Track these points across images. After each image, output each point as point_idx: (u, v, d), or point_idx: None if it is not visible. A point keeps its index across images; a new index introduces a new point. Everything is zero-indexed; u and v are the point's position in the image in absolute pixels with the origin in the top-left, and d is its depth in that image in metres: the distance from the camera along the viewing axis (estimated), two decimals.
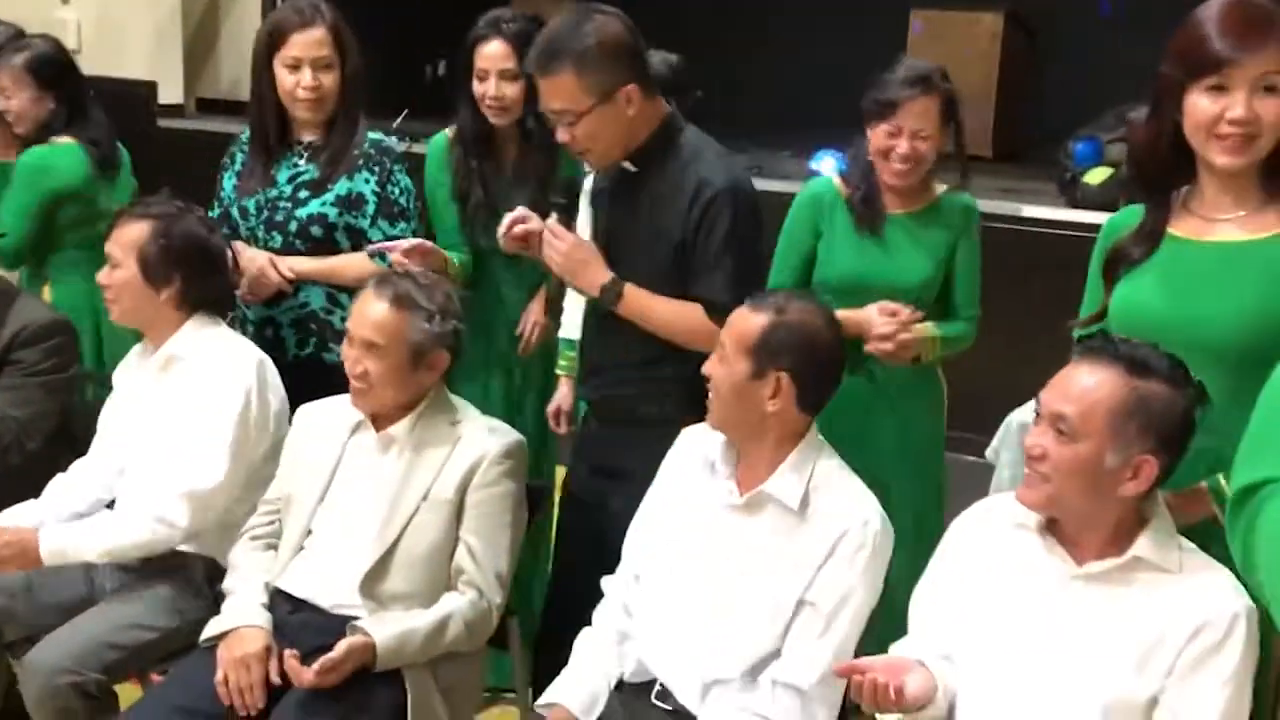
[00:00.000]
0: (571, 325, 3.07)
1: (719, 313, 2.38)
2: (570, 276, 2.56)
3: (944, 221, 2.89)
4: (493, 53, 3.13)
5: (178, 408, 2.69)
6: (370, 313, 2.48)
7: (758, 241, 2.58)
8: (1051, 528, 1.97)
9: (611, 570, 2.42)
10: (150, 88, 6.51)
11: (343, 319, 2.99)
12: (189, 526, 2.61)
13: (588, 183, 2.78)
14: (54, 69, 3.58)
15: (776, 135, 5.86)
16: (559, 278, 2.71)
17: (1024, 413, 3.17)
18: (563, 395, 3.18)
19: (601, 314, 2.60)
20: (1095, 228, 4.56)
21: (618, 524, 2.45)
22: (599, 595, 2.42)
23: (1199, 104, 1.95)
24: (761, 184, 5.09)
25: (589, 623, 2.40)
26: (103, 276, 2.73)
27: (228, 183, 3.08)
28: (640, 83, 2.42)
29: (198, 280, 2.72)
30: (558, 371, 3.21)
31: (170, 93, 6.60)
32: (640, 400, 2.59)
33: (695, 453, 2.35)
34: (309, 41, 2.92)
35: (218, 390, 2.66)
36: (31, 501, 2.80)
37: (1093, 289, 2.19)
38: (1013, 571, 1.98)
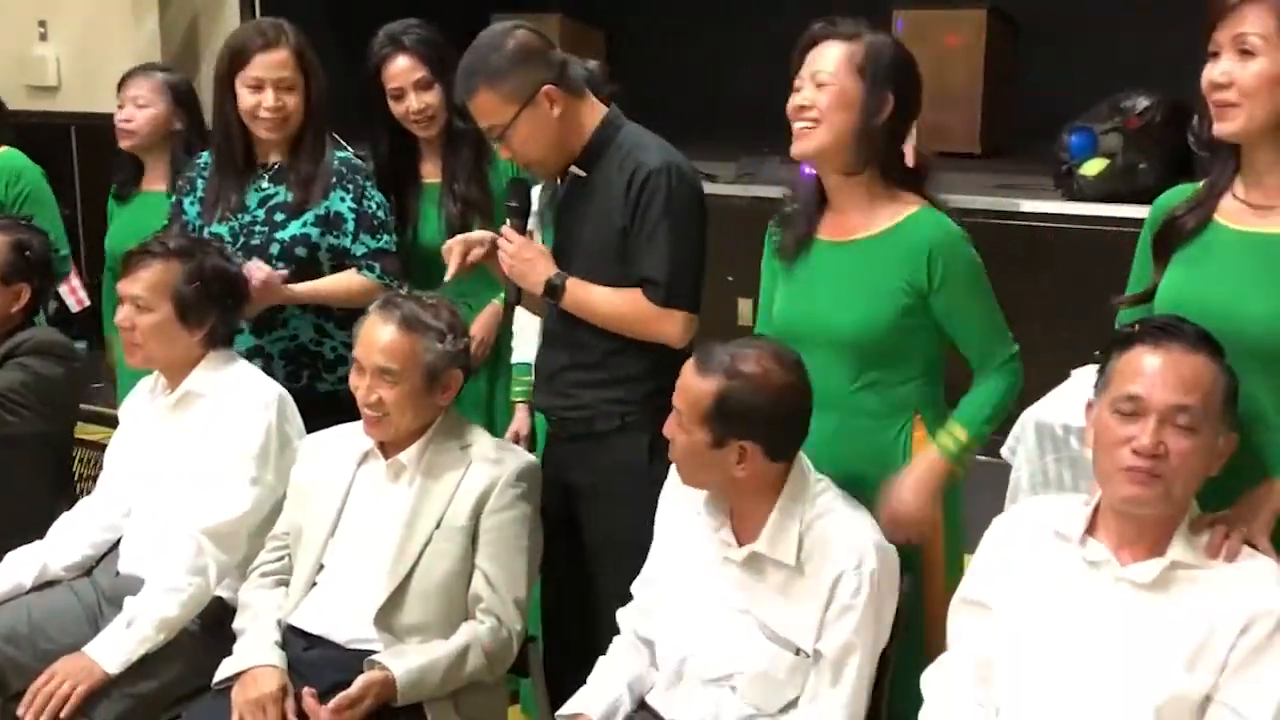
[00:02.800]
0: (525, 349, 3.04)
1: (657, 291, 2.44)
2: (518, 277, 2.56)
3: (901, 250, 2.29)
4: (400, 68, 3.15)
5: (196, 445, 2.64)
6: (379, 338, 2.41)
7: (696, 224, 2.52)
8: (1093, 532, 1.92)
9: (592, 591, 2.47)
10: None
11: (333, 349, 2.99)
12: (218, 567, 2.56)
13: (536, 190, 2.76)
14: None
15: (763, 139, 5.82)
16: (510, 302, 2.71)
17: (1041, 410, 3.12)
18: (520, 421, 3.15)
19: (551, 323, 2.63)
20: (1094, 219, 4.57)
21: (591, 542, 2.52)
22: (587, 618, 2.45)
23: (1206, 71, 1.91)
24: (753, 190, 5.12)
25: (576, 647, 2.42)
26: (123, 320, 2.65)
27: (190, 209, 3.02)
28: (558, 82, 2.46)
29: (228, 315, 2.71)
30: (513, 398, 3.17)
31: None
32: (597, 415, 2.56)
33: (688, 495, 2.27)
34: (271, 62, 2.88)
35: (238, 425, 2.62)
36: (36, 544, 2.74)
37: (1141, 267, 2.12)
38: (1054, 577, 1.93)
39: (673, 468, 2.28)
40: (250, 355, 2.94)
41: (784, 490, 2.15)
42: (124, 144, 3.50)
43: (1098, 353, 1.98)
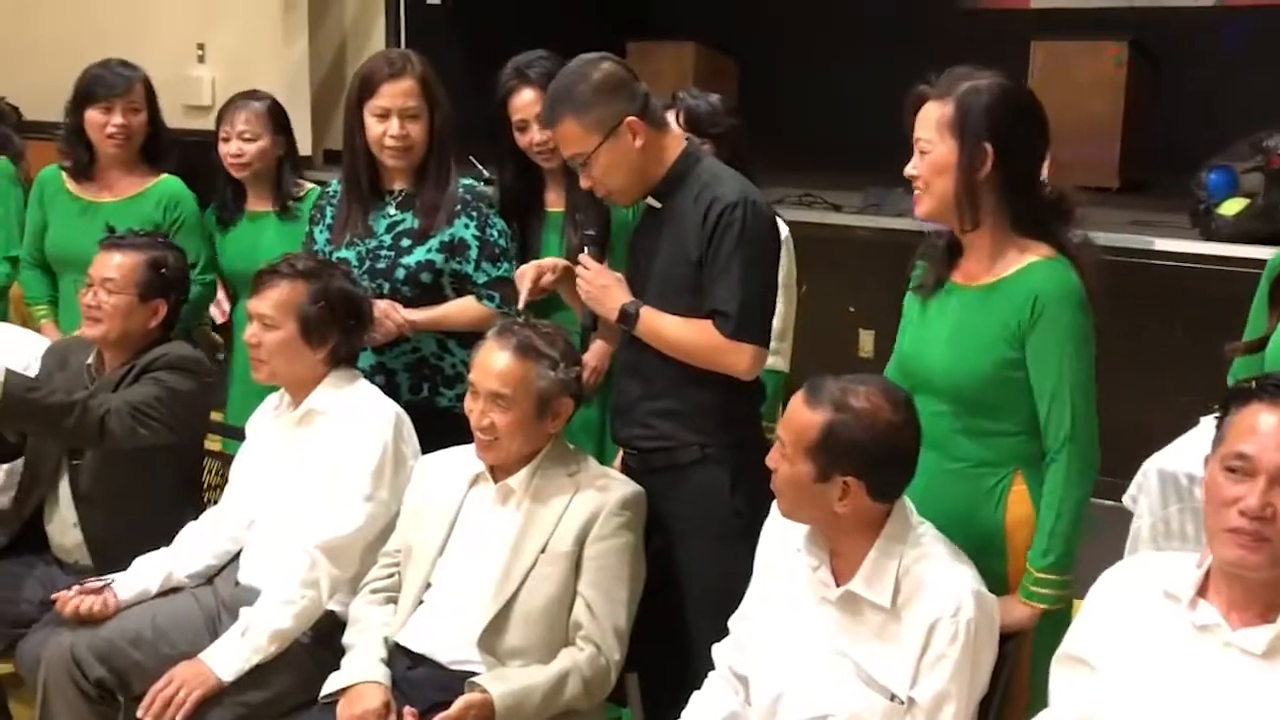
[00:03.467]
0: None
1: (727, 323, 2.48)
2: (594, 303, 2.63)
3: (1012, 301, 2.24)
4: (526, 101, 3.17)
5: (316, 461, 2.72)
6: (494, 364, 2.47)
7: (769, 259, 2.59)
8: (1205, 594, 1.85)
9: (678, 622, 2.52)
10: None
11: (453, 365, 3.07)
12: (331, 581, 2.63)
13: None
14: None
15: (891, 171, 5.78)
16: (585, 326, 2.79)
17: (1165, 458, 3.02)
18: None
19: (624, 353, 2.67)
20: (1231, 260, 4.43)
21: (675, 574, 2.55)
22: (675, 649, 2.47)
23: None
24: (879, 222, 5.09)
25: (666, 678, 2.43)
26: (250, 336, 2.75)
27: (320, 236, 3.12)
28: (641, 114, 2.53)
29: (350, 337, 2.79)
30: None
31: (299, 146, 6.77)
32: (678, 446, 2.58)
33: (789, 532, 2.26)
34: (397, 91, 2.96)
35: (357, 443, 2.69)
36: (163, 551, 2.84)
37: (1256, 314, 2.06)
38: (1162, 640, 1.86)
39: (773, 504, 2.28)
40: (374, 370, 3.03)
41: (884, 530, 2.13)
42: (237, 175, 3.63)
43: (1216, 406, 1.93)
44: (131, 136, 3.59)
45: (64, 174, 3.67)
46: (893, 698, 2.08)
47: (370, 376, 3.02)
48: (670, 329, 2.54)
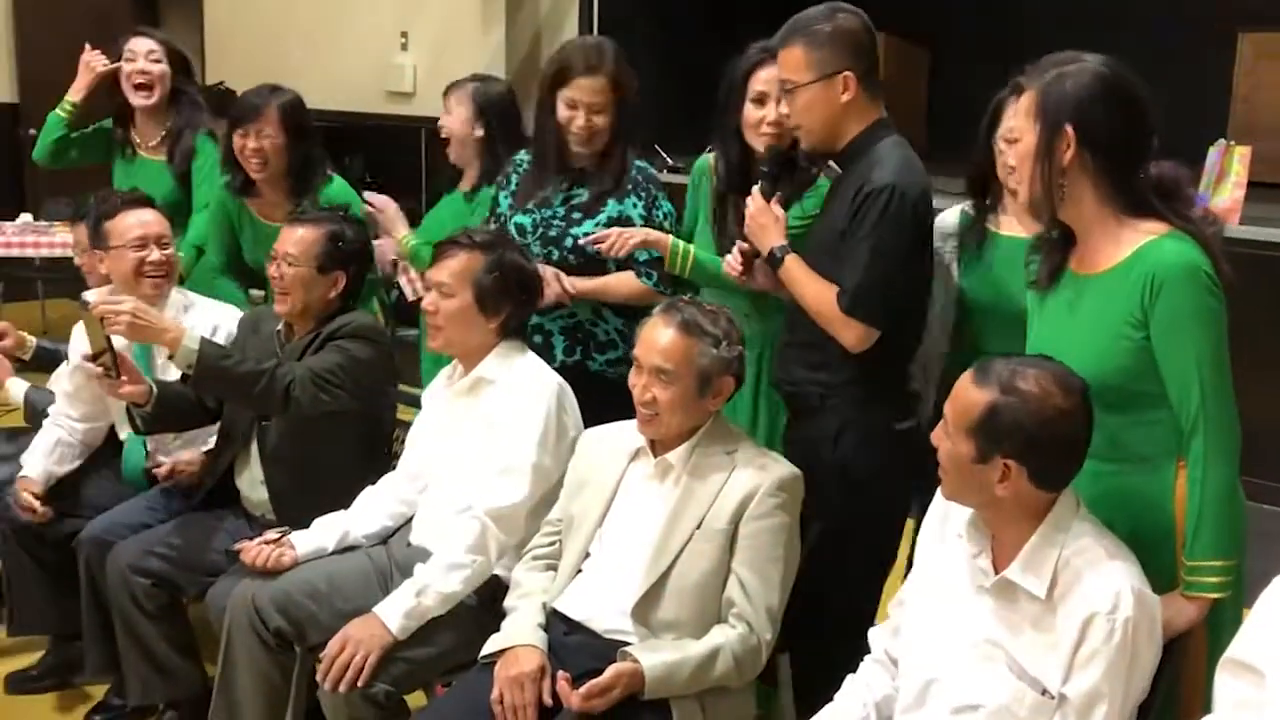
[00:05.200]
0: None
1: (843, 298, 2.60)
2: (753, 236, 2.79)
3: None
4: (772, 75, 3.10)
5: (483, 429, 2.81)
6: (658, 339, 2.50)
7: (904, 247, 2.61)
8: None
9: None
10: None
11: (605, 332, 3.19)
12: (498, 547, 2.72)
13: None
14: None
15: None
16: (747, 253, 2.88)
17: None
18: None
19: (787, 298, 2.78)
20: None
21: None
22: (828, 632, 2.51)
23: None
24: None
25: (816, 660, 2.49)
26: (429, 304, 2.86)
27: (504, 200, 3.28)
28: (859, 74, 2.62)
29: (521, 308, 2.88)
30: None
31: None
32: (801, 392, 2.75)
33: (953, 516, 2.22)
34: (589, 87, 3.09)
35: (521, 413, 2.77)
36: (341, 512, 2.97)
37: None
38: None
39: (937, 490, 2.25)
40: (532, 330, 3.14)
41: (1047, 519, 2.07)
42: (455, 160, 3.77)
43: None
44: (269, 160, 3.63)
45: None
46: (1044, 692, 2.03)
47: (528, 336, 3.12)
48: (804, 282, 2.67)
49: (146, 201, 3.46)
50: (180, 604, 3.16)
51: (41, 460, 3.40)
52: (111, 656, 3.19)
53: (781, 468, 2.52)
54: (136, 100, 4.01)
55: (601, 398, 2.85)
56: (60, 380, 3.53)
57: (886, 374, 2.69)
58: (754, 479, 2.47)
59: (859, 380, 2.65)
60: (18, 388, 3.69)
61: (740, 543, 2.45)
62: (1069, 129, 2.11)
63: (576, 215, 3.15)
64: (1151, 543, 2.15)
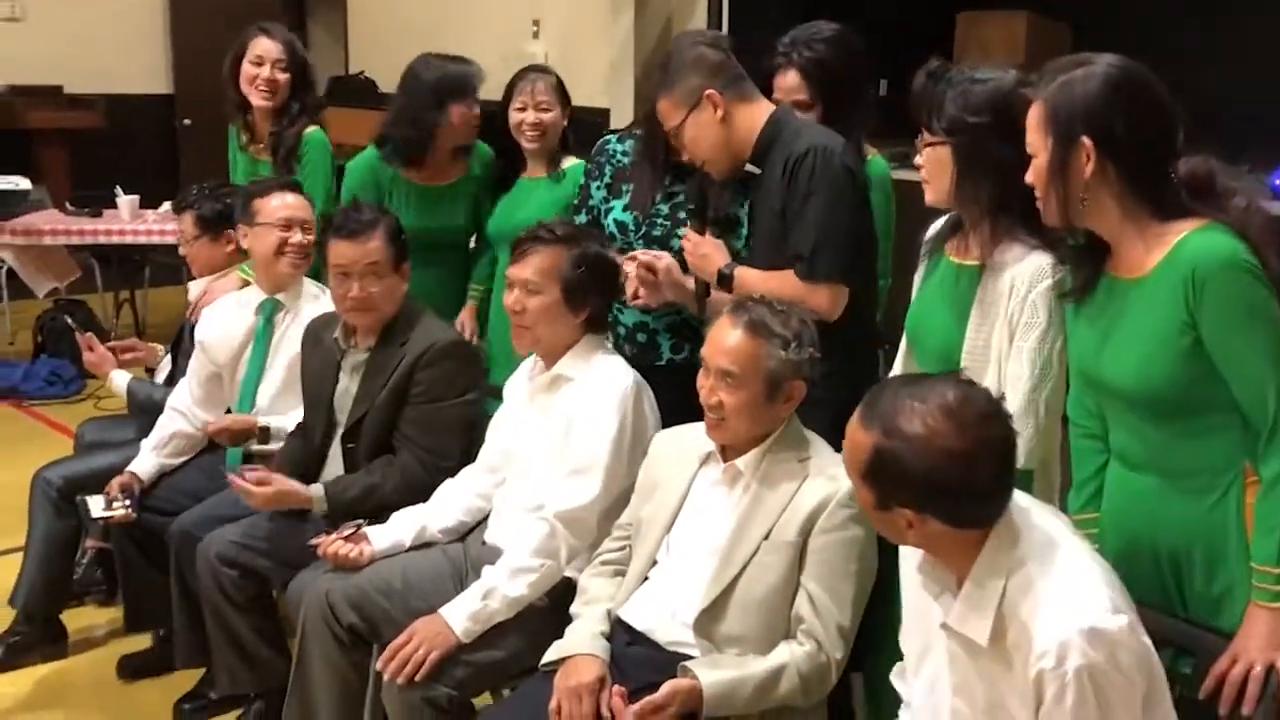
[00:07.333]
0: None
1: (802, 266, 2.61)
2: (699, 271, 2.82)
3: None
4: (790, 84, 3.13)
5: (559, 428, 2.75)
6: (725, 340, 2.38)
7: (846, 200, 2.64)
8: None
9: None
10: (603, 114, 6.85)
11: None
12: (568, 550, 2.65)
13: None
14: None
15: (1230, 143, 5.25)
16: (699, 295, 2.89)
17: None
18: None
19: None
20: None
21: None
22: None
23: None
24: None
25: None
26: (513, 302, 2.78)
27: (596, 192, 3.20)
28: (719, 86, 2.71)
29: (604, 301, 2.81)
30: None
31: (621, 118, 6.93)
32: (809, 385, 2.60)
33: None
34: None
35: (597, 413, 2.69)
36: (419, 506, 2.94)
37: None
38: None
39: None
40: (636, 328, 3.06)
41: (978, 560, 1.84)
42: (532, 145, 3.72)
43: None
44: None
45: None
46: None
47: (633, 334, 3.06)
48: (758, 283, 2.65)
49: (296, 186, 3.54)
50: (269, 596, 3.17)
51: (153, 456, 3.47)
52: (201, 646, 3.22)
53: None
54: (257, 101, 4.05)
55: None
56: (189, 376, 3.56)
57: (863, 352, 2.70)
58: (826, 489, 2.33)
59: (841, 370, 2.49)
60: (121, 378, 3.77)
61: (810, 556, 2.31)
62: (1086, 141, 1.94)
63: (682, 215, 3.01)
64: (1227, 565, 1.97)
